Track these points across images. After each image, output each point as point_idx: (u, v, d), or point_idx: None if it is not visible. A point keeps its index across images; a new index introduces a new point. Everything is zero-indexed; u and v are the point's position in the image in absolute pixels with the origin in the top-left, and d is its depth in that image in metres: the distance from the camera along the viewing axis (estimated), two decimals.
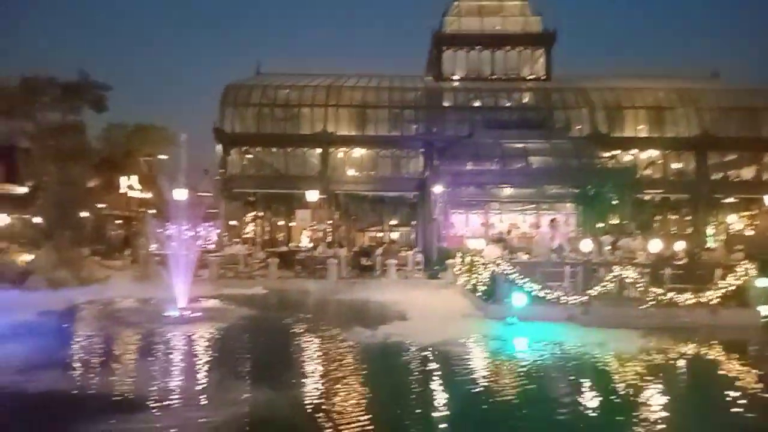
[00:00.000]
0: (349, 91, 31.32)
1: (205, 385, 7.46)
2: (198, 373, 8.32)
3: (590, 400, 7.28)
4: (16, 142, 23.16)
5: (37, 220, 23.04)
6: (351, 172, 31.06)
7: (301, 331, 11.61)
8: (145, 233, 23.44)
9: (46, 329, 11.19)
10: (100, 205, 30.85)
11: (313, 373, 8.47)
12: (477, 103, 31.74)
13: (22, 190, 28.39)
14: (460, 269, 17.64)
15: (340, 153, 30.89)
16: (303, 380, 7.80)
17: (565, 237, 20.33)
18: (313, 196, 27.73)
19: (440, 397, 7.19)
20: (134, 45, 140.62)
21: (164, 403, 6.51)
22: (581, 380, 8.20)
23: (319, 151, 30.20)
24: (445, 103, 31.65)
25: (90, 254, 22.15)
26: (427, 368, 8.57)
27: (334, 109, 30.52)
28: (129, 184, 35.59)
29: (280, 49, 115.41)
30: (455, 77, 33.77)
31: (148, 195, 35.00)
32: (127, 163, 34.90)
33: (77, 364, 8.54)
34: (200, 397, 6.87)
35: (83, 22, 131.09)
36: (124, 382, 7.54)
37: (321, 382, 7.85)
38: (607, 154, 27.40)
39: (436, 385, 7.76)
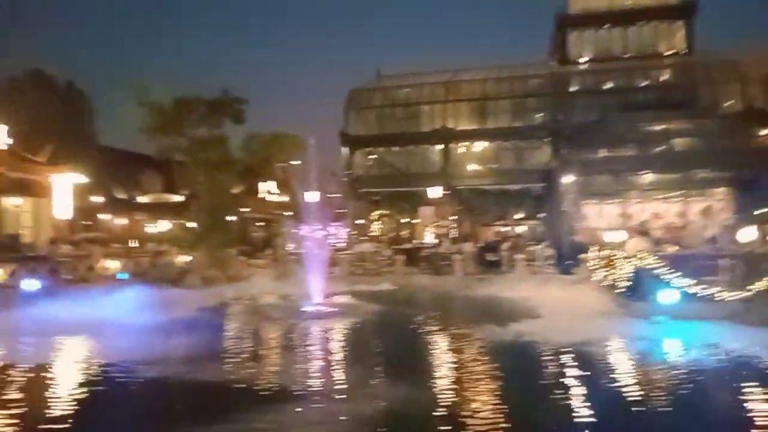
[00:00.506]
0: (467, 85, 30.90)
1: (344, 380, 7.71)
2: (336, 367, 8.67)
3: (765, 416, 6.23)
4: (173, 156, 25.99)
5: (192, 224, 25.74)
6: (473, 167, 30.62)
7: (431, 327, 11.63)
8: (283, 234, 25.15)
9: (202, 323, 12.34)
10: (243, 210, 33.67)
11: (446, 371, 8.42)
12: (609, 85, 29.62)
13: (179, 198, 31.97)
14: (596, 264, 16.55)
15: (461, 148, 30.57)
16: (436, 378, 7.78)
17: (720, 226, 18.20)
18: (435, 192, 27.80)
19: (582, 405, 6.64)
20: (254, 56, 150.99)
21: (308, 396, 6.79)
22: (750, 390, 7.08)
23: (439, 147, 30.17)
24: (572, 88, 29.96)
25: (237, 254, 24.23)
26: (566, 371, 8.04)
27: (453, 104, 30.30)
28: (267, 189, 38.39)
29: (401, 50, 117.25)
30: (583, 59, 31.79)
31: (285, 198, 37.47)
32: (264, 170, 37.64)
33: (229, 357, 9.18)
34: (341, 391, 7.09)
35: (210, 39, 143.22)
36: (270, 375, 7.97)
37: (455, 380, 7.73)
38: (764, 132, 24.06)
39: (576, 390, 7.21)
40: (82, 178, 23.20)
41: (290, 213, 29.64)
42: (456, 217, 29.66)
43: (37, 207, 18.61)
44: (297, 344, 10.37)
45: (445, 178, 29.11)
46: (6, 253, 14.85)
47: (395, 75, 33.27)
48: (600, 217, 23.47)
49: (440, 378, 7.82)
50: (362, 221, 33.00)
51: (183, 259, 21.52)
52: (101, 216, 33.78)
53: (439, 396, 6.77)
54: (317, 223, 17.05)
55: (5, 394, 6.90)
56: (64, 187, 20.39)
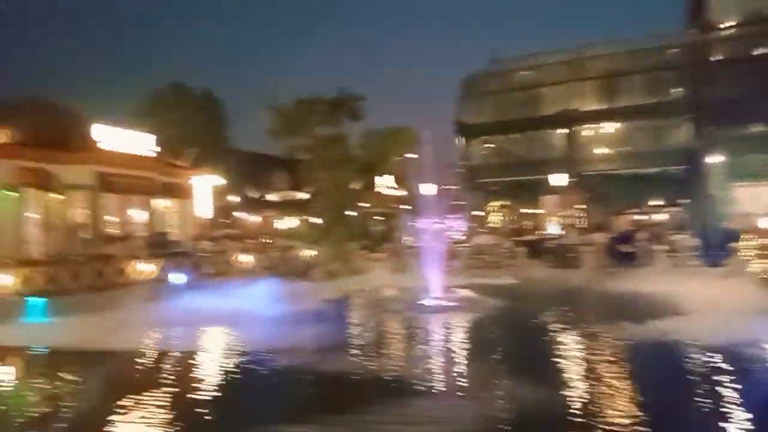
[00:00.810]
0: (592, 62, 28.85)
1: (467, 376, 7.51)
2: (458, 362, 8.49)
3: None
4: (298, 156, 27.42)
5: (316, 220, 26.95)
6: (601, 150, 28.59)
7: (558, 324, 10.98)
8: (401, 227, 25.42)
9: (328, 315, 12.77)
10: (363, 205, 34.61)
11: (578, 371, 7.83)
12: (761, 51, 25.95)
13: (304, 195, 33.67)
14: (750, 254, 14.56)
15: (588, 131, 28.68)
16: (568, 379, 7.25)
17: None
18: (559, 180, 26.36)
19: (737, 415, 5.78)
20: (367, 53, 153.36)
21: (431, 391, 6.69)
22: None
23: (563, 131, 28.54)
24: (716, 57, 26.67)
25: (358, 248, 24.94)
26: (719, 376, 7.07)
27: (577, 83, 28.48)
28: (385, 184, 39.13)
29: (513, 34, 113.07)
30: (727, 24, 28.18)
31: (402, 192, 37.92)
32: (382, 165, 38.38)
33: (354, 348, 9.41)
34: (465, 388, 6.90)
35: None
36: (393, 368, 7.97)
37: (588, 382, 7.17)
38: None
39: (730, 397, 6.30)
40: (220, 180, 25.30)
41: (407, 206, 29.92)
42: (583, 205, 27.90)
43: (182, 207, 20.58)
44: (418, 338, 10.34)
45: (570, 164, 27.51)
46: (157, 250, 16.61)
47: (511, 59, 32.03)
48: (753, 201, 20.68)
49: (572, 379, 7.28)
50: (480, 213, 32.32)
51: (309, 253, 22.57)
52: (237, 214, 36.72)
53: (571, 399, 6.28)
54: (434, 216, 16.91)
55: (158, 378, 7.65)
56: (205, 189, 22.36)
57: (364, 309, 14.00)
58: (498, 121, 29.96)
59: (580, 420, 5.59)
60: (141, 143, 18.21)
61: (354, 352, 9.07)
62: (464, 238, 26.11)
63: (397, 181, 38.90)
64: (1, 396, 7.30)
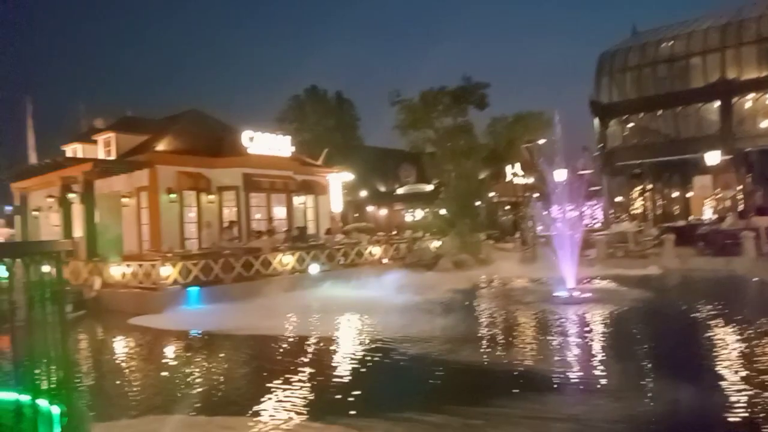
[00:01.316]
0: (754, 24, 25.22)
1: (607, 373, 6.98)
2: (598, 358, 7.98)
3: None
4: (423, 148, 27.65)
5: (443, 211, 26.98)
6: (763, 124, 24.93)
7: (713, 319, 9.80)
8: (531, 216, 24.48)
9: (456, 305, 12.74)
10: (490, 194, 33.96)
11: (737, 373, 6.89)
12: None
13: (430, 187, 33.87)
14: None
15: (748, 102, 25.17)
16: (725, 381, 6.31)
17: None
18: (713, 158, 23.47)
19: None
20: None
21: (567, 387, 6.40)
22: None
23: (717, 104, 25.38)
24: None
25: (485, 239, 24.53)
26: None
27: (734, 50, 25.12)
28: (513, 172, 37.95)
29: (652, 4, 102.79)
30: None
31: (531, 180, 36.51)
32: (510, 153, 37.30)
33: (484, 339, 9.29)
34: (605, 386, 6.43)
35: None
36: (527, 360, 7.75)
37: (752, 387, 6.23)
38: None
39: None
40: (351, 176, 26.40)
41: (538, 194, 28.71)
42: (743, 186, 24.62)
43: (317, 203, 21.82)
44: (551, 330, 9.89)
45: (725, 141, 24.38)
46: (297, 243, 17.81)
47: (654, 29, 29.18)
48: None
49: (730, 382, 6.39)
50: (621, 198, 29.98)
51: (436, 244, 22.69)
52: (367, 208, 38.06)
53: (731, 404, 5.54)
54: (568, 203, 16.01)
55: (299, 360, 8.22)
56: (337, 185, 23.48)
57: (493, 300, 13.71)
58: (640, 97, 27.43)
59: (742, 430, 4.95)
60: (281, 145, 19.61)
61: (485, 343, 8.94)
62: (602, 225, 24.41)
63: (526, 169, 37.52)
64: (167, 373, 8.33)
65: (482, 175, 30.35)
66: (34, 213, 21.00)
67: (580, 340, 9.27)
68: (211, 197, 18.20)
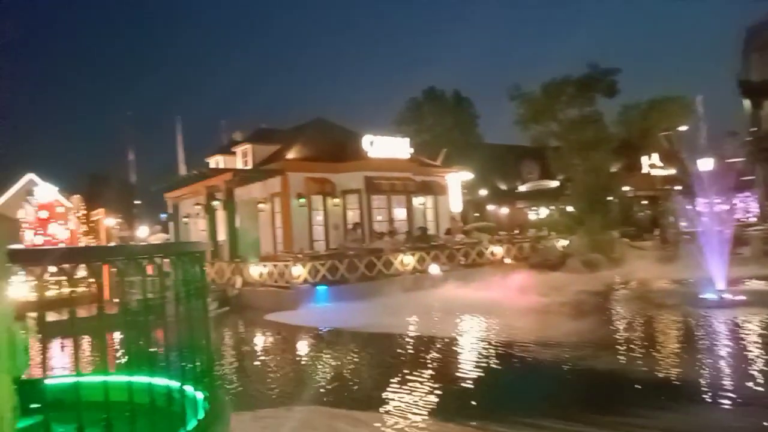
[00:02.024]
0: None
1: (766, 386, 6.19)
2: (753, 368, 7.05)
3: None
4: (546, 143, 26.47)
5: (570, 208, 25.61)
6: None
7: None
8: (672, 211, 22.36)
9: (587, 308, 11.96)
10: (624, 188, 31.59)
11: None
12: None
13: (555, 183, 32.35)
14: None
15: None
16: None
17: None
18: None
19: None
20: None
21: (721, 399, 5.77)
22: None
23: None
24: None
25: (619, 236, 22.88)
26: None
27: None
28: (650, 163, 34.98)
29: None
30: None
31: (671, 171, 33.37)
32: (645, 142, 34.44)
33: (621, 345, 8.66)
34: (763, 400, 5.71)
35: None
36: (671, 369, 7.14)
37: None
38: None
39: None
40: (470, 175, 26.08)
41: (679, 186, 26.15)
42: None
43: (437, 203, 21.86)
44: (699, 337, 8.96)
45: None
46: (417, 243, 18.01)
47: None
48: None
49: None
50: None
51: (562, 243, 21.62)
52: (488, 206, 37.34)
53: None
54: (715, 196, 14.39)
55: (424, 360, 8.31)
56: (456, 185, 23.35)
57: (630, 303, 12.73)
58: None
59: None
60: (400, 148, 19.98)
61: (621, 349, 8.34)
62: (757, 219, 21.57)
63: (665, 159, 34.37)
64: (299, 366, 8.86)
65: (614, 168, 28.34)
66: (185, 219, 23.50)
67: (732, 348, 8.27)
68: (336, 200, 19.05)
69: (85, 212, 16.91)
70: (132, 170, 42.15)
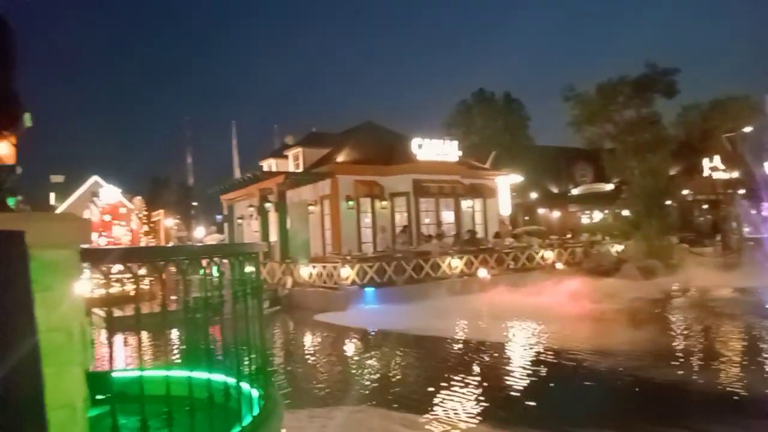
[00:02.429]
0: None
1: None
2: None
3: None
4: (601, 145, 25.69)
5: (625, 212, 24.74)
6: None
7: None
8: (735, 216, 21.23)
9: (644, 316, 11.50)
10: (683, 192, 30.26)
11: None
12: None
13: (609, 187, 31.32)
14: None
15: None
16: None
17: None
18: None
19: None
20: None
21: None
22: None
23: None
24: None
25: (678, 242, 21.92)
26: None
27: None
28: (712, 166, 33.33)
29: None
30: None
31: (734, 174, 31.67)
32: (706, 144, 32.87)
33: (678, 355, 8.36)
34: None
35: None
36: (734, 381, 6.78)
37: None
38: None
39: None
40: (520, 178, 25.62)
41: (743, 190, 24.79)
42: None
43: (485, 206, 21.59)
44: (764, 348, 8.47)
45: None
46: (465, 246, 17.85)
47: None
48: None
49: None
50: None
51: (617, 248, 20.91)
52: (538, 210, 36.56)
53: None
54: None
55: (471, 364, 8.24)
56: (505, 188, 23.00)
57: (690, 311, 12.19)
58: None
59: None
60: (448, 150, 19.89)
61: (680, 359, 8.02)
62: None
63: (728, 162, 32.66)
64: (347, 366, 8.95)
65: (672, 171, 27.21)
66: (238, 221, 24.19)
67: None
68: (384, 203, 19.13)
69: (146, 213, 17.71)
70: (190, 173, 43.77)
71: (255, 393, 2.90)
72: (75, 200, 32.23)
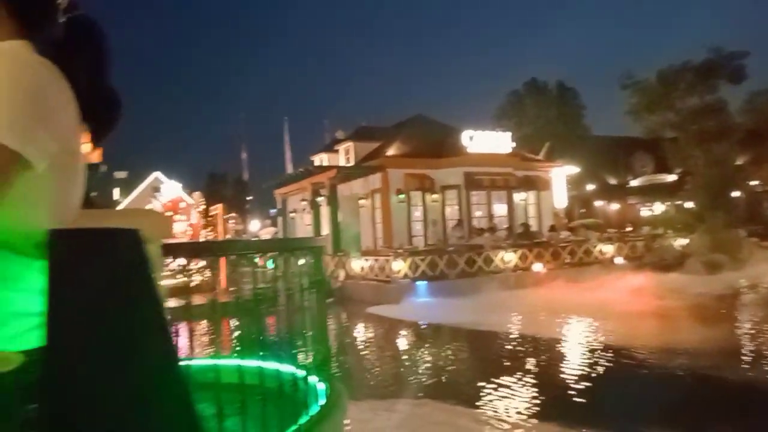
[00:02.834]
0: None
1: None
2: None
3: None
4: (662, 134, 24.60)
5: (688, 204, 23.65)
6: None
7: None
8: None
9: (710, 314, 11.00)
10: (752, 183, 28.59)
11: None
12: None
13: (671, 178, 29.97)
14: None
15: None
16: None
17: None
18: None
19: None
20: None
21: None
22: None
23: None
24: None
25: (746, 235, 20.75)
26: None
27: None
28: None
29: None
30: None
31: None
32: None
33: (755, 354, 7.96)
34: None
35: None
36: None
37: None
38: None
39: None
40: (575, 169, 24.91)
41: None
42: None
43: (539, 199, 21.13)
44: None
45: None
46: (519, 240, 17.55)
47: None
48: None
49: None
50: None
51: (680, 242, 20.01)
52: (595, 202, 35.42)
53: None
54: None
55: (526, 360, 8.12)
56: (560, 179, 22.42)
57: (759, 308, 11.56)
58: None
59: None
60: (500, 142, 19.58)
61: (751, 359, 7.63)
62: None
63: None
64: (402, 359, 9.00)
65: (740, 161, 25.75)
66: (291, 214, 24.70)
67: None
68: (435, 196, 19.06)
69: (205, 208, 18.36)
70: (245, 168, 45.03)
71: (320, 384, 2.97)
72: (137, 195, 33.76)
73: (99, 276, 0.85)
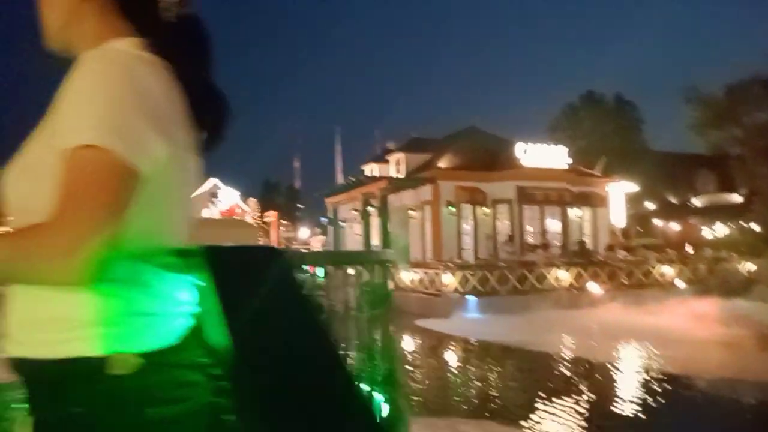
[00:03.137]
0: None
1: None
2: None
3: None
4: (727, 151, 23.51)
5: (754, 226, 22.41)
6: None
7: None
8: None
9: None
10: None
11: None
12: None
13: (736, 197, 28.49)
14: None
15: None
16: None
17: None
18: None
19: None
20: None
21: None
22: None
23: None
24: None
25: None
26: None
27: None
28: None
29: None
30: None
31: None
32: None
33: None
34: None
35: None
36: None
37: None
38: None
39: None
40: (633, 186, 24.08)
41: None
42: None
43: (595, 216, 20.50)
44: None
45: None
46: (574, 258, 17.05)
47: None
48: None
49: None
50: None
51: (746, 266, 18.94)
52: (654, 221, 34.05)
53: None
54: None
55: (578, 383, 7.85)
56: (618, 196, 21.70)
57: None
58: None
59: None
60: (555, 156, 19.17)
61: None
62: None
63: None
64: (459, 376, 8.89)
65: None
66: (341, 223, 24.94)
67: None
68: (487, 210, 18.82)
69: (260, 214, 18.83)
70: (297, 177, 45.94)
71: (382, 399, 2.95)
72: (194, 201, 34.84)
73: (267, 289, 0.96)
